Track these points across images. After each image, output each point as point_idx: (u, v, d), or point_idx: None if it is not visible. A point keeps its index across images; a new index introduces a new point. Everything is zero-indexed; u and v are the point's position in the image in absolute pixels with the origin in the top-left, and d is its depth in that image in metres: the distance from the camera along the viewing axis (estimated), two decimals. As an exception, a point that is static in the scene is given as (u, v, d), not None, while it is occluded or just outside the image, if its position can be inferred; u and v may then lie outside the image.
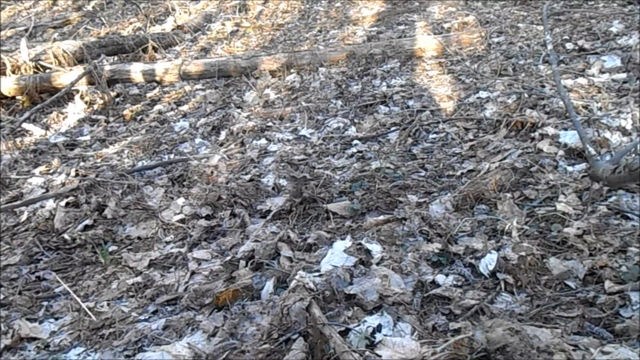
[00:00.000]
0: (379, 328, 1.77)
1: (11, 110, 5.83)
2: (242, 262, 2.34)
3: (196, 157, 4.07)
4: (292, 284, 2.02)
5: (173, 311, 2.25)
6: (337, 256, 2.21)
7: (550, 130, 3.15)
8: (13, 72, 6.01)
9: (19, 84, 5.83)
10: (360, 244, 2.28)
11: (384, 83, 5.16)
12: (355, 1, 10.44)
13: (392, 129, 4.09)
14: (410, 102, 4.55)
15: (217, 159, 3.97)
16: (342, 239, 2.37)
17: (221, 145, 4.41)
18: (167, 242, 3.01)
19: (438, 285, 2.04)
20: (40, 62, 6.19)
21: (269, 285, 2.13)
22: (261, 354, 1.77)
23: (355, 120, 4.43)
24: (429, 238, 2.38)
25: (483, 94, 4.38)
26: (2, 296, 2.61)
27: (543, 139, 3.11)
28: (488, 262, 2.06)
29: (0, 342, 2.19)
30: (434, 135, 3.85)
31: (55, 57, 6.38)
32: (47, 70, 6.16)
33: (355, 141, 4.01)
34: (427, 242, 2.35)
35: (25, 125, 5.11)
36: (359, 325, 1.82)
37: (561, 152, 2.94)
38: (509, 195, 2.65)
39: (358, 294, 1.99)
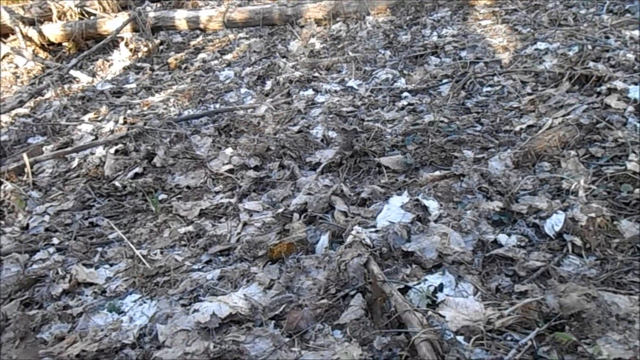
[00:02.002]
0: (440, 287, 1.71)
1: (58, 56, 5.86)
2: (296, 215, 2.30)
3: (242, 107, 4.02)
4: (349, 240, 1.97)
5: (226, 262, 2.25)
6: (393, 212, 2.15)
7: (618, 85, 2.96)
8: (59, 19, 6.01)
9: (65, 30, 5.83)
10: (417, 200, 2.20)
11: (435, 33, 4.95)
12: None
13: (444, 81, 3.93)
14: (463, 53, 4.36)
15: (263, 109, 3.91)
16: (398, 195, 2.30)
17: (267, 95, 4.33)
18: (216, 192, 3.00)
19: (500, 245, 1.96)
20: (86, 8, 6.15)
21: (324, 240, 2.09)
22: (319, 308, 1.74)
23: (405, 72, 4.28)
24: (489, 196, 2.29)
25: (541, 45, 4.15)
26: (57, 241, 2.66)
27: (610, 94, 2.92)
28: (554, 223, 1.97)
29: (59, 286, 2.23)
30: (489, 89, 3.68)
31: (100, 3, 6.33)
32: (92, 17, 6.14)
33: (405, 93, 3.87)
34: (486, 200, 2.26)
35: (72, 72, 5.13)
36: (419, 283, 1.77)
37: (630, 108, 2.76)
38: (573, 152, 2.51)
39: (416, 252, 1.94)
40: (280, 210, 2.49)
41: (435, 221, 2.11)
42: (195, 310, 1.85)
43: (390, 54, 4.65)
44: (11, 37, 5.88)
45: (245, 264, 2.17)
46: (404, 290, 1.75)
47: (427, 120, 3.23)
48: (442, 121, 3.20)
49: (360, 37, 5.22)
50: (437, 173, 2.53)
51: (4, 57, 5.83)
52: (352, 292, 1.79)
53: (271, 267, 2.06)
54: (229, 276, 2.07)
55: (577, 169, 2.38)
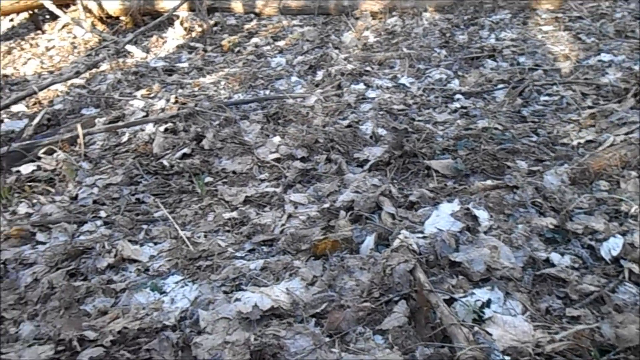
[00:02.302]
0: (488, 303, 1.67)
1: (115, 30, 5.96)
2: (342, 213, 2.28)
3: (292, 96, 4.00)
4: (395, 243, 1.94)
5: (269, 252, 2.25)
6: (442, 219, 2.10)
7: (688, 106, 2.83)
8: (119, -8, 6.09)
9: (124, 4, 5.92)
10: (467, 208, 2.15)
11: (493, 35, 4.83)
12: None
13: (500, 86, 3.83)
14: (521, 59, 4.24)
15: (313, 100, 3.89)
16: (448, 202, 2.26)
17: (317, 85, 4.31)
18: (262, 180, 3.00)
19: (552, 265, 1.90)
20: (145, -16, 6.23)
21: (370, 241, 2.07)
22: (361, 311, 1.72)
23: (459, 73, 4.19)
24: (542, 211, 2.22)
25: (605, 57, 4.01)
26: (105, 214, 2.71)
27: (679, 115, 2.80)
28: (611, 247, 1.89)
29: (104, 260, 2.27)
30: (547, 98, 3.57)
31: (159, -20, 6.39)
32: (151, -7, 6.21)
33: (458, 95, 3.80)
34: (539, 216, 2.19)
35: (128, 47, 5.20)
36: (465, 296, 1.73)
37: (699, 132, 2.64)
38: (634, 173, 2.41)
39: (464, 263, 1.89)
40: (325, 206, 2.47)
41: (485, 232, 2.06)
42: (237, 299, 1.85)
43: (446, 53, 4.56)
44: (72, 7, 6.00)
45: (288, 256, 2.17)
46: (450, 302, 1.72)
47: (480, 126, 3.15)
48: (496, 128, 3.12)
49: (416, 33, 5.13)
50: (489, 182, 2.46)
51: (63, 26, 5.96)
52: (396, 298, 1.76)
53: (314, 263, 2.05)
54: (272, 268, 2.06)
55: (638, 192, 2.29)
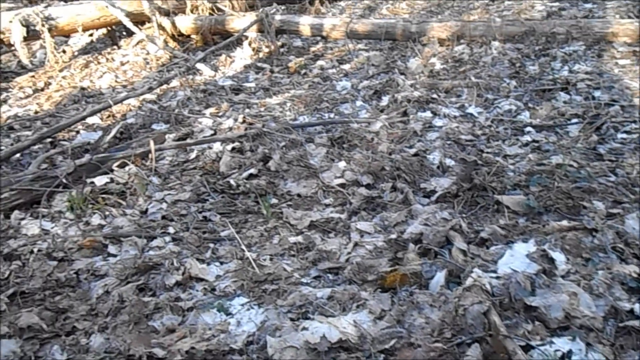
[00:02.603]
0: (569, 354, 1.59)
1: (185, 48, 6.16)
2: (412, 246, 2.24)
3: (358, 121, 4.00)
4: (468, 282, 1.88)
5: (335, 281, 2.23)
6: (517, 259, 2.03)
7: None
8: (191, 12, 6.31)
9: (196, 23, 6.12)
10: (544, 250, 2.07)
11: (566, 67, 4.69)
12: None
13: (573, 120, 3.71)
14: (597, 93, 4.09)
15: (378, 126, 3.88)
16: (523, 241, 2.18)
17: (381, 111, 4.30)
18: (326, 205, 3.00)
19: (636, 317, 1.80)
20: (217, 4, 6.43)
21: (440, 277, 2.01)
22: (433, 352, 1.67)
23: (530, 105, 4.09)
24: (624, 258, 2.11)
25: (688, 95, 3.82)
26: (173, 230, 2.77)
27: None
28: (703, 303, 1.77)
29: (172, 277, 2.31)
30: (625, 136, 3.42)
31: (230, 1, 6.59)
32: (221, 13, 6.40)
33: (529, 128, 3.70)
34: (621, 262, 2.08)
35: (197, 65, 5.35)
36: (543, 344, 1.65)
37: None
38: None
39: (541, 308, 1.82)
40: (393, 236, 2.44)
41: (563, 277, 1.98)
42: (305, 328, 1.84)
43: (516, 84, 4.46)
44: (147, 24, 6.25)
45: (355, 286, 2.14)
46: (526, 349, 1.64)
47: (554, 162, 3.05)
48: (570, 165, 3.01)
49: (484, 62, 5.06)
50: (565, 223, 2.37)
51: (137, 43, 6.21)
52: (469, 341, 1.71)
53: (382, 295, 2.01)
54: (338, 297, 2.04)
55: None
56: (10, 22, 5.29)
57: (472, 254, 2.15)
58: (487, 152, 3.35)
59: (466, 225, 2.43)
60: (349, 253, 2.40)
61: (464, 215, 2.65)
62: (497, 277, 1.95)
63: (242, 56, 5.88)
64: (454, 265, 2.07)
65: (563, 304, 1.81)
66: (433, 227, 2.34)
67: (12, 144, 3.90)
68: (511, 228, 2.40)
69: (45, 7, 5.63)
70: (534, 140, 3.48)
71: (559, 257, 2.07)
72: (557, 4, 7.00)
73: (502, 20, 5.78)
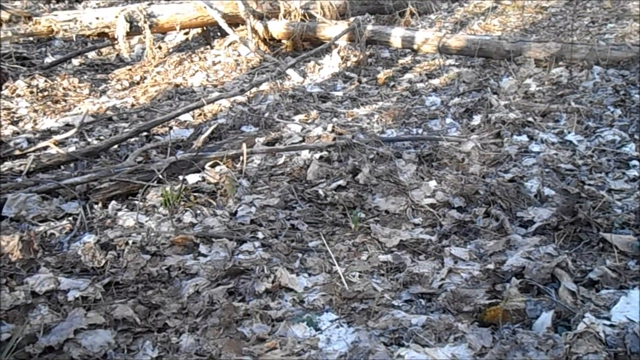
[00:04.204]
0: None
1: (276, 52, 6.23)
2: (514, 280, 2.12)
3: (448, 139, 3.89)
4: (580, 328, 1.76)
5: (429, 307, 2.15)
6: (633, 308, 1.88)
7: None
8: (284, 17, 6.38)
9: (288, 29, 6.18)
10: (663, 301, 1.91)
11: (677, 98, 4.38)
12: (638, -7, 9.13)
13: (686, 158, 3.45)
14: None
15: (470, 146, 3.75)
16: (640, 289, 2.02)
17: (472, 130, 4.16)
18: (415, 225, 2.92)
19: None
20: (309, 11, 6.47)
21: (547, 318, 1.89)
22: (541, 399, 1.56)
23: (636, 137, 3.83)
24: None
25: None
26: (262, 236, 2.77)
27: None
28: None
29: (262, 284, 2.30)
30: None
31: (322, 8, 6.62)
32: (313, 20, 6.44)
33: (635, 162, 3.46)
34: None
35: (287, 71, 5.40)
36: (666, 407, 1.51)
37: None
38: None
39: (661, 365, 1.66)
40: (490, 266, 2.33)
41: (685, 333, 1.81)
42: (400, 356, 1.77)
43: (620, 113, 4.20)
44: (240, 27, 6.38)
45: (450, 316, 2.05)
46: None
47: (666, 202, 2.83)
48: (686, 207, 2.78)
49: (585, 87, 4.80)
50: (684, 272, 2.18)
51: (230, 44, 6.35)
52: (581, 393, 1.59)
53: (482, 330, 1.91)
54: (434, 326, 1.96)
55: None
56: (116, 17, 5.54)
57: (582, 297, 2.01)
58: (590, 185, 3.16)
59: (572, 263, 2.28)
60: (443, 279, 2.31)
61: (566, 250, 2.50)
62: (612, 326, 1.81)
63: (331, 64, 5.88)
64: (562, 307, 1.94)
65: (687, 364, 1.65)
66: (537, 262, 2.21)
67: (110, 135, 4.06)
68: (622, 271, 2.24)
69: (149, 4, 5.87)
70: (642, 176, 3.26)
71: (679, 310, 1.90)
72: (665, 29, 6.59)
73: (607, 44, 5.48)
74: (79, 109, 4.72)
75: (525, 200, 3.01)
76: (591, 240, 2.59)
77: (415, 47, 5.85)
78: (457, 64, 5.87)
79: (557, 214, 2.77)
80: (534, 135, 3.90)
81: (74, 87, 5.21)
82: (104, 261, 2.51)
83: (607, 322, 1.83)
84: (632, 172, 3.32)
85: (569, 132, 3.96)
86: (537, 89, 4.91)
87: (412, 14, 7.46)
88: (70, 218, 2.89)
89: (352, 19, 6.57)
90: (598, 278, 2.15)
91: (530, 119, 4.20)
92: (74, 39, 5.79)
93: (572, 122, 4.12)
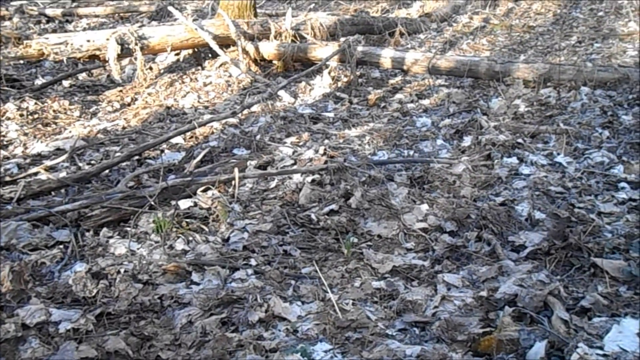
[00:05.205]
0: None
1: (267, 73, 6.26)
2: (507, 309, 2.13)
3: (439, 161, 3.92)
4: (574, 358, 1.76)
5: (422, 337, 2.15)
6: (626, 337, 1.89)
7: None
8: (275, 38, 6.43)
9: (279, 50, 6.22)
10: (655, 330, 1.92)
11: (663, 119, 4.45)
12: (623, 12, 9.31)
13: (674, 180, 3.49)
14: (700, 152, 3.85)
15: (461, 168, 3.77)
16: (633, 317, 2.03)
17: (463, 152, 4.19)
18: (408, 249, 2.93)
19: None
20: (300, 32, 6.52)
21: (540, 348, 1.90)
22: None
23: (624, 159, 3.88)
24: None
25: None
26: (255, 262, 2.76)
27: None
28: None
29: (256, 314, 2.29)
30: None
31: (312, 28, 6.67)
32: (304, 41, 6.49)
33: (623, 184, 3.50)
34: None
35: (279, 92, 5.42)
36: None
37: None
38: None
39: (655, 396, 1.67)
40: (483, 294, 2.34)
41: (677, 362, 1.82)
42: (395, 389, 1.76)
43: (608, 134, 4.26)
44: (231, 48, 6.41)
45: (444, 345, 2.06)
46: None
47: (656, 227, 2.86)
48: (675, 231, 2.81)
49: (573, 108, 4.87)
50: (675, 299, 2.20)
51: (221, 65, 6.37)
52: None
53: (476, 361, 1.92)
54: (428, 357, 1.96)
55: None
56: (107, 40, 5.55)
57: (574, 326, 2.02)
58: (579, 208, 3.18)
59: (564, 290, 2.29)
60: (436, 307, 2.31)
61: (557, 276, 2.51)
62: (605, 355, 1.82)
63: (321, 84, 5.92)
64: (555, 336, 1.95)
65: (680, 395, 1.66)
66: (529, 290, 2.22)
67: (101, 159, 4.04)
68: (614, 298, 2.25)
69: (140, 26, 5.88)
70: (630, 199, 3.29)
71: (671, 338, 1.91)
72: (650, 49, 6.71)
73: (594, 65, 5.57)
74: (70, 131, 4.70)
75: (516, 224, 3.03)
76: (582, 265, 2.61)
77: (405, 67, 5.91)
78: (446, 84, 5.93)
79: (548, 239, 2.79)
80: (523, 157, 3.93)
81: (65, 109, 5.19)
82: (95, 291, 2.49)
83: (600, 352, 1.84)
84: (621, 195, 3.36)
85: (558, 154, 4.00)
86: (526, 110, 4.97)
87: (401, 34, 7.54)
88: (62, 246, 2.87)
89: (342, 39, 6.65)
90: (590, 306, 2.16)
91: (520, 140, 4.24)
92: (65, 61, 5.77)
93: (561, 143, 4.17)
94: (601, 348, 1.88)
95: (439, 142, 4.45)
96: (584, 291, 2.34)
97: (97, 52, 5.68)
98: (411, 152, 4.28)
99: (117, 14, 9.92)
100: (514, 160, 3.91)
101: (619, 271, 2.49)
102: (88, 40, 5.67)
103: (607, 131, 4.30)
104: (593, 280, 2.48)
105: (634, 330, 1.92)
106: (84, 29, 8.07)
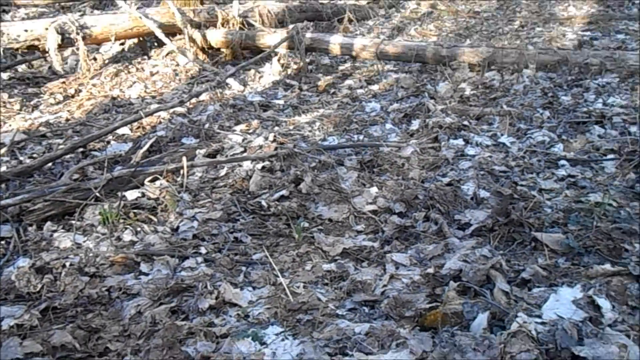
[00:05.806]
0: (622, 412, 1.53)
1: (215, 61, 6.18)
2: (452, 284, 2.19)
3: (388, 144, 3.97)
4: (513, 327, 1.83)
5: (371, 315, 2.19)
6: (563, 305, 1.98)
7: None
8: (222, 25, 6.34)
9: (227, 37, 6.15)
10: (590, 296, 2.02)
11: (600, 99, 4.63)
12: (563, -2, 9.60)
13: (609, 156, 3.65)
14: (633, 129, 4.03)
15: (409, 151, 3.84)
16: (569, 286, 2.13)
17: (411, 135, 4.27)
18: (358, 232, 2.97)
19: (689, 374, 1.74)
20: (247, 19, 6.46)
21: (483, 319, 1.97)
22: (479, 400, 1.63)
23: (564, 137, 4.03)
24: (672, 308, 2.05)
25: None
26: (205, 251, 2.75)
27: None
28: None
29: (206, 301, 2.28)
30: (664, 175, 3.35)
31: (260, 16, 6.62)
32: (252, 28, 6.43)
33: (563, 161, 3.64)
34: (669, 313, 2.02)
35: (227, 80, 5.37)
36: (594, 399, 1.60)
37: None
38: None
39: (589, 359, 1.76)
40: (430, 271, 2.40)
41: (610, 326, 1.92)
42: (344, 366, 1.80)
43: (549, 114, 4.41)
44: (178, 36, 6.29)
45: (392, 322, 2.10)
46: (576, 404, 1.59)
47: (592, 200, 2.99)
48: (609, 204, 2.95)
49: (515, 90, 5.01)
50: (609, 267, 2.31)
51: (167, 54, 6.25)
52: (516, 390, 1.66)
53: (422, 335, 1.97)
54: (377, 334, 2.00)
55: None
56: (46, 29, 5.35)
57: (515, 296, 2.10)
58: (522, 185, 3.30)
59: (505, 263, 2.37)
60: (385, 286, 2.35)
61: (500, 251, 2.60)
62: (543, 323, 1.90)
63: (271, 72, 5.89)
64: (497, 307, 2.02)
65: (612, 355, 1.76)
66: (473, 265, 2.29)
67: (44, 152, 3.92)
68: (552, 269, 2.35)
69: (81, 15, 5.70)
70: (569, 175, 3.42)
71: (605, 304, 2.02)
72: (588, 33, 6.96)
73: (535, 48, 5.74)
74: (10, 125, 4.53)
75: (462, 203, 3.11)
76: (524, 239, 2.71)
77: (354, 53, 5.94)
78: (395, 69, 5.99)
79: (492, 216, 2.88)
80: (469, 139, 4.03)
81: (4, 102, 4.99)
82: (40, 285, 2.43)
83: (539, 320, 1.92)
84: (561, 172, 3.49)
85: (502, 135, 4.12)
86: (471, 93, 5.08)
87: (350, 21, 7.57)
88: (3, 242, 2.78)
89: (291, 26, 6.61)
90: (530, 277, 2.25)
91: (465, 122, 4.34)
92: (2, 52, 5.54)
93: (504, 124, 4.29)
94: (539, 316, 1.96)
95: (388, 126, 4.51)
96: (524, 264, 2.43)
97: (37, 43, 5.47)
98: (361, 137, 4.31)
99: (57, 3, 9.54)
100: (460, 142, 4.01)
101: (557, 244, 2.60)
102: (26, 30, 5.45)
103: (548, 111, 4.45)
104: (534, 254, 2.58)
105: (569, 298, 2.01)
106: (22, 19, 7.73)
